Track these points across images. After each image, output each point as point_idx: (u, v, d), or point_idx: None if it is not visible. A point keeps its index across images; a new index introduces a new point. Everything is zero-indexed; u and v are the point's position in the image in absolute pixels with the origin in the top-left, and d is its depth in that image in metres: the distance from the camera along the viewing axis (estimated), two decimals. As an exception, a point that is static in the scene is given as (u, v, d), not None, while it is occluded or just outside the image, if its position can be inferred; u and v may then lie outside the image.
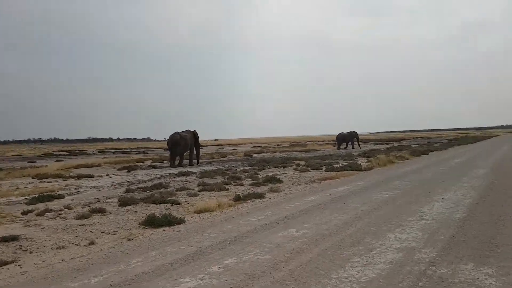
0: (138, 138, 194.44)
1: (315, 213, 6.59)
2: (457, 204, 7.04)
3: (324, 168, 15.69)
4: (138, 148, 63.31)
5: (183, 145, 20.69)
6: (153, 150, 49.82)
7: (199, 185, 11.12)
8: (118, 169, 18.26)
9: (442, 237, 4.86)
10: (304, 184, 10.97)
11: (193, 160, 21.73)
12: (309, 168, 15.76)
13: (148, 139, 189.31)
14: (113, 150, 53.05)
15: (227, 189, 10.27)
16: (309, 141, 71.48)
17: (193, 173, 15.21)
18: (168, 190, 10.33)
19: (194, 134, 22.11)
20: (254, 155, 30.62)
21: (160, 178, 13.95)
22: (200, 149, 24.48)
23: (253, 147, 51.56)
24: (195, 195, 9.42)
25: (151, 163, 22.97)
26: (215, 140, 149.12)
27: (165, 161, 24.04)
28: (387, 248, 4.48)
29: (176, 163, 20.91)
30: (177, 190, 10.24)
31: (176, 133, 20.87)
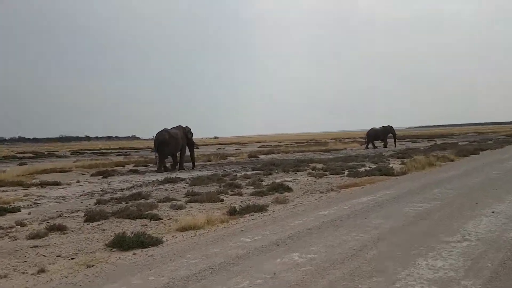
0: (120, 136, 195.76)
1: (327, 232, 6.36)
2: (511, 219, 6.75)
3: (346, 172, 15.64)
4: (119, 148, 63.84)
5: (173, 145, 20.74)
6: (138, 151, 50.40)
7: (188, 195, 11.06)
8: (92, 175, 18.37)
9: (489, 264, 4.60)
10: (319, 194, 10.86)
11: (185, 164, 21.71)
12: (327, 173, 15.74)
13: (133, 138, 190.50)
14: (89, 152, 53.65)
15: (222, 200, 10.18)
16: (331, 139, 71.23)
17: (183, 179, 15.17)
18: (149, 201, 10.26)
19: (187, 132, 22.10)
20: (261, 156, 30.72)
21: (141, 186, 13.93)
22: (196, 149, 24.44)
23: (261, 146, 51.66)
24: (180, 207, 9.31)
25: (133, 167, 23.12)
26: (215, 138, 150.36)
27: (151, 165, 24.12)
28: (415, 279, 4.23)
29: (169, 165, 20.88)
30: (159, 202, 10.18)
31: (165, 130, 20.89)
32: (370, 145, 37.77)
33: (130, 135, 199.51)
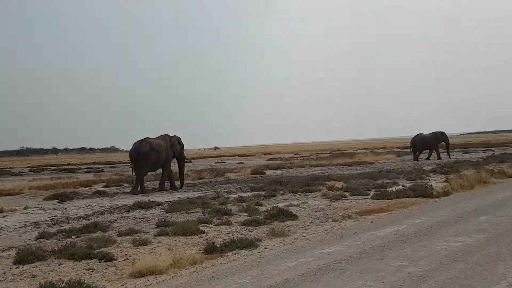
0: (96, 147, 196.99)
1: (325, 279, 5.94)
2: None
3: (371, 193, 15.42)
4: (91, 164, 64.09)
5: (155, 159, 20.61)
6: (114, 166, 50.52)
7: (159, 226, 10.81)
8: (46, 199, 18.30)
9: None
10: (331, 222, 10.61)
11: (174, 182, 21.64)
12: (347, 194, 15.58)
13: (112, 149, 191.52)
14: (52, 168, 54.00)
15: (202, 232, 9.91)
16: (361, 149, 70.91)
17: (159, 204, 15.00)
18: (106, 234, 10.01)
19: (173, 143, 21.97)
20: (269, 172, 30.66)
21: (103, 213, 13.71)
22: (188, 163, 24.13)
23: (270, 159, 51.70)
24: (145, 243, 8.99)
25: (103, 187, 23.10)
26: (215, 148, 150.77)
27: (125, 184, 24.07)
28: None
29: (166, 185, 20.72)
30: (119, 235, 9.94)
31: (144, 141, 20.78)
32: (414, 156, 37.21)
33: (108, 146, 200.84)
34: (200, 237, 9.46)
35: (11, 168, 56.77)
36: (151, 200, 15.69)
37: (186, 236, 9.57)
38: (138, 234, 9.94)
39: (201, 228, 10.25)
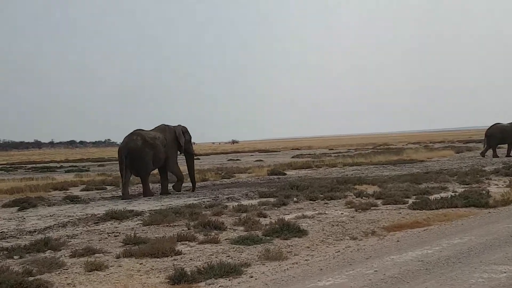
0: (88, 141, 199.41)
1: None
2: None
3: (411, 200, 15.08)
4: (79, 160, 64.81)
5: (150, 156, 20.48)
6: (103, 165, 51.33)
7: (127, 243, 10.57)
8: (4, 205, 18.42)
9: None
10: (348, 240, 10.34)
11: (166, 186, 21.64)
12: (378, 202, 15.25)
13: (107, 143, 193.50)
14: (29, 165, 54.95)
15: (178, 253, 9.62)
16: (413, 143, 70.36)
17: (138, 214, 14.85)
18: (57, 255, 9.73)
19: (178, 135, 21.84)
20: (290, 172, 30.55)
21: (65, 225, 13.66)
22: (195, 160, 23.89)
23: (296, 156, 51.69)
24: (99, 267, 8.69)
25: (82, 190, 23.37)
26: (233, 142, 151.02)
27: (109, 187, 24.35)
28: None
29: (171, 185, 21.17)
30: (73, 255, 9.69)
31: (136, 134, 20.68)
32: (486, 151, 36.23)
33: (102, 139, 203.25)
34: (174, 259, 9.21)
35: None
36: (127, 209, 15.49)
37: (157, 258, 9.31)
38: (97, 254, 9.69)
39: (179, 247, 10.02)
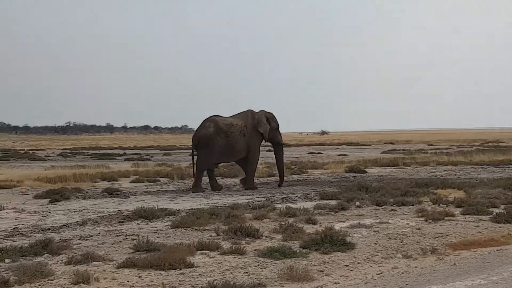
0: (163, 126, 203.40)
1: None
2: None
3: (497, 210, 14.12)
4: (148, 147, 67.51)
5: (225, 146, 20.16)
6: (170, 154, 52.53)
7: (137, 250, 10.20)
8: (36, 196, 18.60)
9: None
10: (400, 259, 9.71)
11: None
12: (456, 211, 14.31)
13: (183, 129, 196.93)
14: (91, 151, 57.25)
15: (190, 265, 9.08)
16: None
17: (172, 213, 14.53)
18: (52, 260, 9.50)
19: (258, 120, 21.27)
20: (373, 170, 30.11)
21: (85, 223, 13.50)
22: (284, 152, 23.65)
23: (388, 151, 51.60)
24: (88, 280, 8.21)
25: (132, 181, 23.84)
26: (322, 133, 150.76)
27: (163, 180, 24.48)
28: None
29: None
30: (69, 262, 9.30)
31: (209, 120, 20.48)
32: None
33: (179, 125, 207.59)
34: (182, 273, 8.69)
35: (39, 150, 59.74)
36: (160, 207, 15.24)
37: (162, 270, 8.81)
38: (96, 262, 9.25)
39: (197, 257, 9.57)
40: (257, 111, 21.76)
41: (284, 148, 23.65)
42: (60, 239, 11.10)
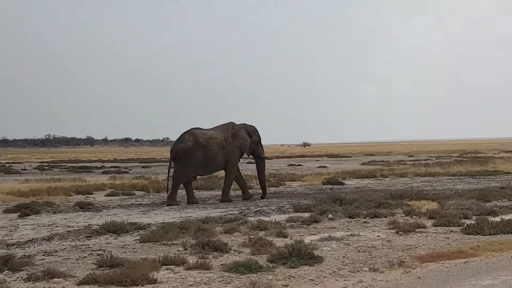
0: (144, 139, 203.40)
1: None
2: None
3: (468, 221, 14.30)
4: (127, 160, 66.97)
5: (203, 159, 20.16)
6: (149, 166, 52.43)
7: (100, 265, 10.10)
8: (6, 211, 18.57)
9: None
10: (366, 272, 9.76)
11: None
12: (428, 223, 14.55)
13: (165, 142, 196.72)
14: (69, 164, 57.12)
15: (153, 281, 9.10)
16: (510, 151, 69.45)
17: (142, 227, 14.49)
18: (12, 277, 9.40)
19: (235, 134, 21.20)
20: (351, 182, 30.56)
21: (51, 238, 13.41)
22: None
23: (368, 162, 52.34)
24: None
25: (107, 195, 23.71)
26: (304, 145, 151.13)
27: (138, 193, 24.44)
28: None
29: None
30: (28, 279, 9.20)
31: (188, 133, 20.46)
32: None
33: (160, 138, 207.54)
34: None
35: (17, 163, 59.38)
36: (130, 221, 15.20)
37: (124, 286, 8.82)
38: (56, 279, 9.21)
39: (159, 273, 9.53)
40: (238, 123, 21.73)
41: (268, 158, 23.79)
42: (23, 255, 10.99)
